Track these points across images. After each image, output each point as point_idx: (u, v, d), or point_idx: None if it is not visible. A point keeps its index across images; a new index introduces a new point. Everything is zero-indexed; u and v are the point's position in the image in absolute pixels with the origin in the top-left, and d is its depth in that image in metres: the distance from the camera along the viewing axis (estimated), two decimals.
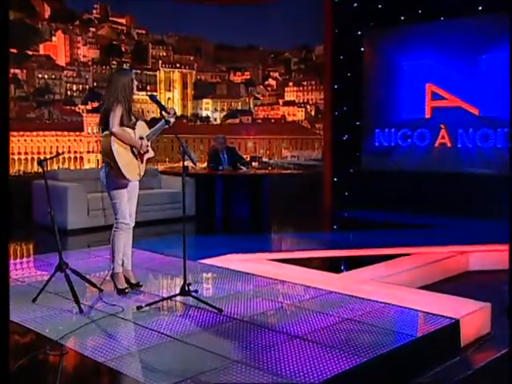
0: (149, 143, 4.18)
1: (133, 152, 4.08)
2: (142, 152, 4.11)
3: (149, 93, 4.26)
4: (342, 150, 9.87)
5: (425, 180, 8.89)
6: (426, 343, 3.32)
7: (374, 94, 9.71)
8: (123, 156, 4.00)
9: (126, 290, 4.16)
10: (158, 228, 7.70)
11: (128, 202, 4.21)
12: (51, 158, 4.97)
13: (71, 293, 3.79)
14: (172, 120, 4.15)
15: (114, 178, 4.05)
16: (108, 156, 3.98)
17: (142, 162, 4.15)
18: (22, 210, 7.79)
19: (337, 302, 4.00)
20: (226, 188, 8.57)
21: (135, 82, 4.12)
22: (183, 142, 3.88)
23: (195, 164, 3.88)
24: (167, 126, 4.13)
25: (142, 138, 4.14)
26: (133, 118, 4.15)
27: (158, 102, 4.07)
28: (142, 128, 4.18)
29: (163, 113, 4.09)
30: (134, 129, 4.11)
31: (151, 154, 4.22)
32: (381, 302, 3.95)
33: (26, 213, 7.71)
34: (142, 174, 4.17)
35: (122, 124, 4.02)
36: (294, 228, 8.36)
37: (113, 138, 3.97)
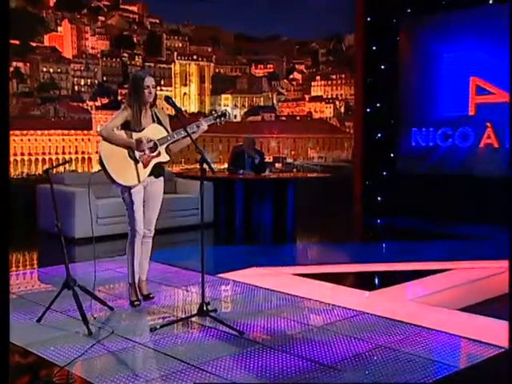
0: (161, 147, 4.22)
1: (130, 154, 4.16)
2: (142, 153, 4.16)
3: (165, 94, 4.29)
4: (375, 151, 9.81)
5: (467, 185, 8.77)
6: (471, 376, 3.25)
7: (411, 89, 9.62)
8: (113, 159, 4.12)
9: (135, 303, 4.30)
10: (172, 237, 7.71)
11: (145, 208, 4.31)
12: (57, 166, 5.03)
13: (79, 313, 3.81)
14: (199, 128, 4.18)
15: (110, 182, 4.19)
16: (99, 159, 4.15)
17: (145, 166, 4.21)
18: (25, 216, 7.86)
19: (369, 325, 3.96)
20: (247, 193, 8.59)
21: (151, 83, 4.19)
22: (201, 148, 3.87)
23: (214, 171, 3.91)
24: (187, 137, 4.12)
25: (151, 141, 4.20)
26: (146, 121, 4.23)
27: (174, 105, 4.10)
28: (154, 131, 4.24)
29: (191, 127, 4.15)
30: (139, 132, 4.18)
31: (164, 158, 4.26)
32: (418, 326, 3.90)
33: (30, 219, 7.78)
34: (144, 178, 4.22)
35: (127, 128, 4.16)
36: (322, 238, 8.33)
37: (102, 141, 4.13)
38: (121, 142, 4.14)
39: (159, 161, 4.26)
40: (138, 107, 4.18)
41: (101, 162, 4.12)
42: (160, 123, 4.29)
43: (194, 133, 4.16)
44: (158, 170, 4.29)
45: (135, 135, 4.17)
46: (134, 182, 4.20)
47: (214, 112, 4.45)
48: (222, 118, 4.33)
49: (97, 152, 4.20)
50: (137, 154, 4.16)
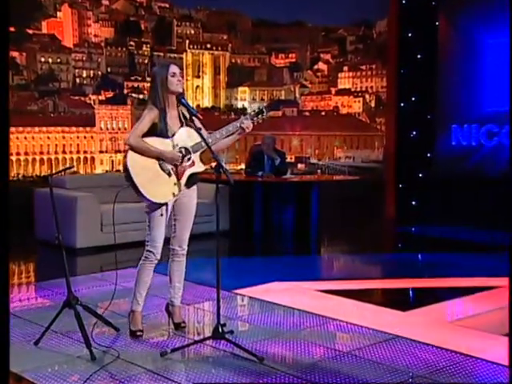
0: (194, 155, 4.10)
1: (161, 166, 4.04)
2: (177, 165, 4.05)
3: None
4: (409, 151, 9.76)
5: None
6: None
7: (451, 81, 9.55)
8: (143, 172, 3.98)
9: (138, 334, 4.17)
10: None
11: (176, 223, 4.24)
12: (59, 172, 5.05)
13: (82, 335, 3.82)
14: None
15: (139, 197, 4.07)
16: (125, 172, 4.00)
17: (179, 178, 4.09)
18: (21, 223, 7.92)
19: (404, 351, 3.91)
20: (267, 198, 8.60)
21: (177, 71, 4.10)
22: (217, 154, 3.84)
23: (232, 183, 3.79)
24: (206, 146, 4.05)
25: (183, 149, 4.08)
26: (173, 122, 4.10)
27: (187, 106, 4.05)
28: (185, 136, 4.11)
29: (233, 127, 4.09)
30: (167, 137, 4.06)
31: (198, 167, 4.14)
32: (460, 354, 3.84)
33: (26, 226, 7.84)
34: (178, 193, 4.09)
35: (157, 133, 4.02)
36: (349, 248, 8.30)
37: (130, 151, 3.99)
38: (153, 153, 3.99)
39: (194, 171, 4.13)
40: (164, 103, 4.04)
41: (128, 176, 3.96)
42: (188, 125, 4.14)
43: (233, 133, 4.12)
44: (190, 180, 4.16)
45: (166, 142, 4.04)
46: (167, 198, 4.08)
47: (252, 112, 4.24)
48: (260, 116, 4.21)
49: (125, 164, 4.00)
50: (169, 165, 4.04)
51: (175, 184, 4.08)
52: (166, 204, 4.12)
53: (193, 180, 4.18)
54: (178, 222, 4.27)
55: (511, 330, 2.72)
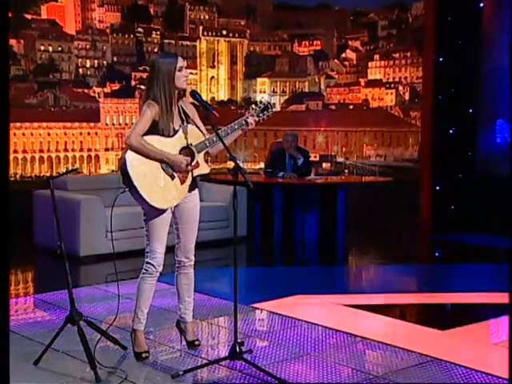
0: (199, 156, 4.09)
1: (165, 169, 4.03)
2: (179, 170, 4.03)
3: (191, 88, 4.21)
4: (448, 149, 9.71)
5: None
6: None
7: (496, 70, 9.49)
8: (145, 175, 3.97)
9: (144, 355, 4.15)
10: (196, 255, 7.73)
11: (179, 232, 4.23)
12: (61, 175, 5.07)
13: (86, 354, 3.83)
14: (245, 126, 4.13)
15: (139, 203, 4.06)
16: (123, 174, 3.98)
17: (183, 182, 4.07)
18: (18, 228, 7.96)
19: (443, 376, 3.87)
20: (288, 201, 8.61)
21: (183, 72, 4.08)
22: (234, 155, 3.85)
23: (250, 185, 3.77)
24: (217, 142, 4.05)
25: (186, 149, 4.07)
26: (179, 120, 4.11)
27: (202, 101, 4.04)
28: (188, 135, 4.10)
29: (239, 124, 4.10)
30: (168, 136, 4.05)
31: (203, 169, 4.14)
32: (507, 380, 3.76)
33: (24, 231, 7.88)
34: (182, 197, 4.09)
35: (157, 132, 4.00)
36: (379, 258, 8.27)
37: (129, 151, 3.97)
38: (157, 156, 3.97)
39: (199, 173, 4.13)
40: (169, 100, 4.02)
41: (128, 179, 3.94)
42: (189, 121, 4.15)
43: (236, 130, 4.13)
44: (193, 183, 4.15)
45: (168, 142, 4.02)
46: (171, 203, 4.07)
47: (254, 106, 4.26)
48: (265, 113, 4.23)
49: (124, 166, 3.96)
50: (168, 167, 4.02)
51: (179, 188, 4.07)
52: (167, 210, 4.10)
53: (195, 183, 4.18)
54: (181, 230, 4.25)
55: (511, 338, 2.73)
